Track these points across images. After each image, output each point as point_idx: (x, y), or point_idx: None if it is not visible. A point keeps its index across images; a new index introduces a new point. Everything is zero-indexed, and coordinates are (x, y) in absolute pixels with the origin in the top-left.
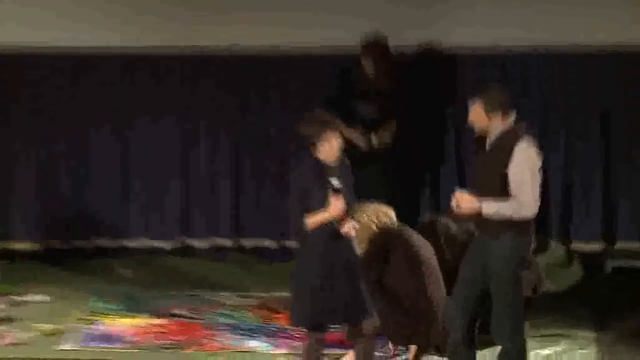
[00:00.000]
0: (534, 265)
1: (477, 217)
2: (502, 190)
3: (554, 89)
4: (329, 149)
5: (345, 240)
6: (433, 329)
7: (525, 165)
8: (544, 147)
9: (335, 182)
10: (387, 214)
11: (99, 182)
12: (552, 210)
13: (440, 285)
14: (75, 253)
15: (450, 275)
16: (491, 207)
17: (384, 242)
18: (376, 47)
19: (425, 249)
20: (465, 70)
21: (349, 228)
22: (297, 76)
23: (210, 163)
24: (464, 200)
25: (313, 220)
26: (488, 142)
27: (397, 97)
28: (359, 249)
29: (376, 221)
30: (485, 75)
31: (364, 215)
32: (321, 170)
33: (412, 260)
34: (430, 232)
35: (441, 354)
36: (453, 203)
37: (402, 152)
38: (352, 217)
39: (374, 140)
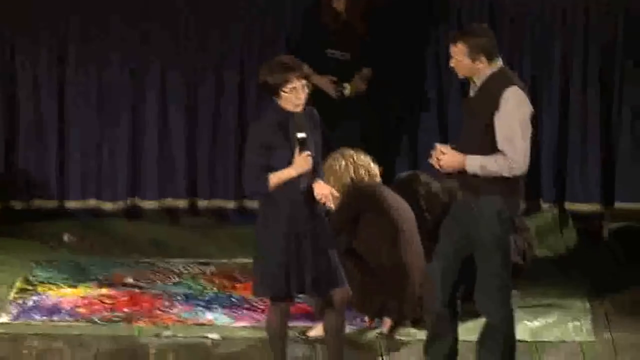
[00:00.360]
0: (523, 229)
1: (461, 175)
2: (488, 141)
3: (549, 31)
4: (294, 97)
5: (312, 200)
6: (408, 300)
7: (514, 114)
8: (536, 96)
9: (300, 135)
10: (366, 168)
11: (37, 136)
12: (543, 166)
13: (418, 252)
14: (11, 216)
15: (430, 239)
16: (476, 163)
17: (355, 204)
18: None
19: (401, 211)
20: (448, 9)
21: (326, 198)
22: (260, 18)
23: (161, 115)
24: (445, 156)
25: (276, 178)
26: (472, 88)
27: (373, 40)
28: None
29: (353, 175)
30: (472, 16)
31: (342, 162)
32: (285, 123)
33: (386, 226)
34: (408, 191)
35: (418, 326)
36: (433, 158)
37: (378, 101)
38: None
39: (347, 89)
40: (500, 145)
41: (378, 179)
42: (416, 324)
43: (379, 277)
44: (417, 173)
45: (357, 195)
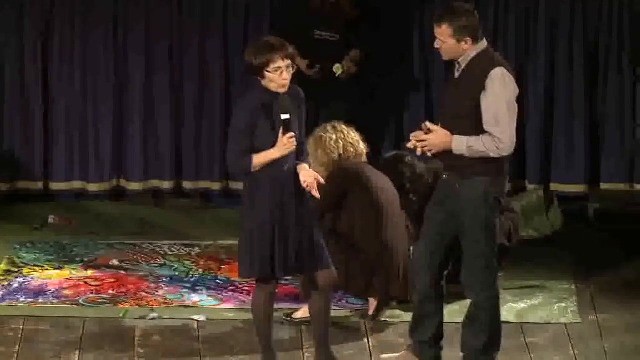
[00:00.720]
0: (509, 210)
1: (446, 156)
2: (473, 123)
3: (533, 13)
4: (279, 77)
5: (297, 181)
6: (392, 280)
7: (501, 95)
8: (522, 77)
9: (284, 116)
10: (355, 147)
11: (22, 119)
12: (529, 147)
13: (401, 232)
14: None
15: (416, 219)
16: (462, 143)
17: (341, 185)
18: None
19: (385, 192)
20: None
21: (311, 186)
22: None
23: (146, 96)
24: (431, 135)
25: (260, 159)
26: (457, 69)
27: (361, 21)
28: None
29: (342, 152)
30: None
31: (333, 136)
32: (270, 103)
33: (369, 206)
34: (393, 171)
35: (404, 307)
36: (413, 141)
37: (365, 82)
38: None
39: (340, 70)
40: (486, 126)
41: (364, 158)
42: (402, 304)
43: (363, 257)
44: (403, 154)
45: (342, 176)
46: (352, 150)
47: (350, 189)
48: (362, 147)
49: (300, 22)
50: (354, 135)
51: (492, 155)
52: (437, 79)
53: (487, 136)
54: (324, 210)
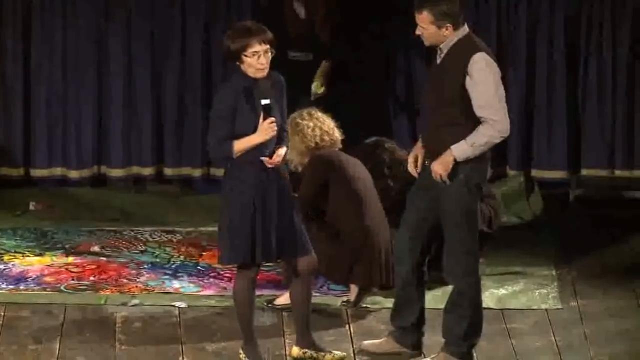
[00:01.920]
0: (490, 196)
1: (428, 142)
2: (457, 109)
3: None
4: (256, 61)
5: (277, 167)
6: (374, 265)
7: (487, 79)
8: (502, 63)
9: (265, 101)
10: (330, 135)
11: (3, 105)
12: (510, 134)
13: (380, 217)
14: None
15: (393, 205)
16: (464, 147)
17: (321, 174)
18: None
19: (362, 179)
20: None
21: (274, 161)
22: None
23: (127, 83)
24: (435, 165)
25: (241, 144)
26: (439, 55)
27: (337, 36)
28: (291, 163)
29: (318, 140)
30: None
31: (310, 124)
32: (250, 89)
33: (347, 193)
34: (373, 157)
35: (386, 293)
36: (435, 176)
37: (347, 69)
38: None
39: (318, 89)
40: (479, 112)
41: (339, 146)
42: (384, 289)
43: (344, 243)
44: (382, 140)
45: (322, 166)
46: (327, 138)
47: (331, 177)
48: (337, 134)
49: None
50: (329, 123)
51: (495, 141)
52: (419, 66)
53: (483, 125)
54: (307, 201)
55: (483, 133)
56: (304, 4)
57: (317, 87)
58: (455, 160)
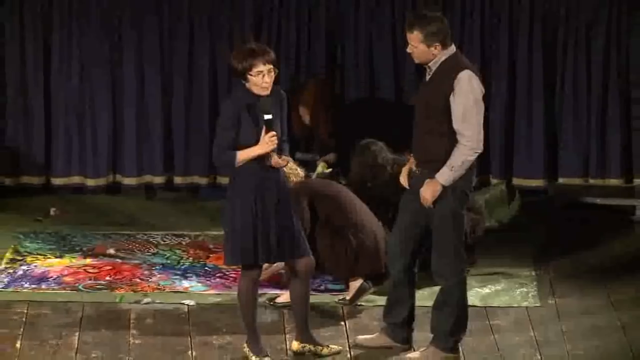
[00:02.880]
0: (474, 210)
1: (418, 151)
2: (445, 125)
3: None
4: (261, 80)
5: (277, 175)
6: (373, 258)
7: (468, 95)
8: (485, 79)
9: (267, 116)
10: (295, 175)
11: (21, 114)
12: (492, 146)
13: (365, 211)
14: (0, 191)
15: (377, 205)
16: (446, 171)
17: (306, 195)
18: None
19: (343, 191)
20: None
21: (276, 162)
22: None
23: (139, 95)
24: (426, 194)
25: (244, 155)
26: (428, 72)
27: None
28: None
29: (300, 173)
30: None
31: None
32: (253, 104)
33: (338, 205)
34: (359, 156)
35: (380, 284)
36: (423, 201)
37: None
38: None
39: (324, 168)
40: (455, 125)
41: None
42: (379, 280)
43: (346, 241)
44: (370, 142)
45: (302, 190)
46: (294, 179)
47: (316, 199)
48: (300, 171)
49: None
50: (292, 165)
51: (470, 159)
52: (409, 84)
53: (456, 147)
54: (308, 224)
55: (457, 156)
56: (309, 110)
57: (323, 167)
58: (443, 186)
